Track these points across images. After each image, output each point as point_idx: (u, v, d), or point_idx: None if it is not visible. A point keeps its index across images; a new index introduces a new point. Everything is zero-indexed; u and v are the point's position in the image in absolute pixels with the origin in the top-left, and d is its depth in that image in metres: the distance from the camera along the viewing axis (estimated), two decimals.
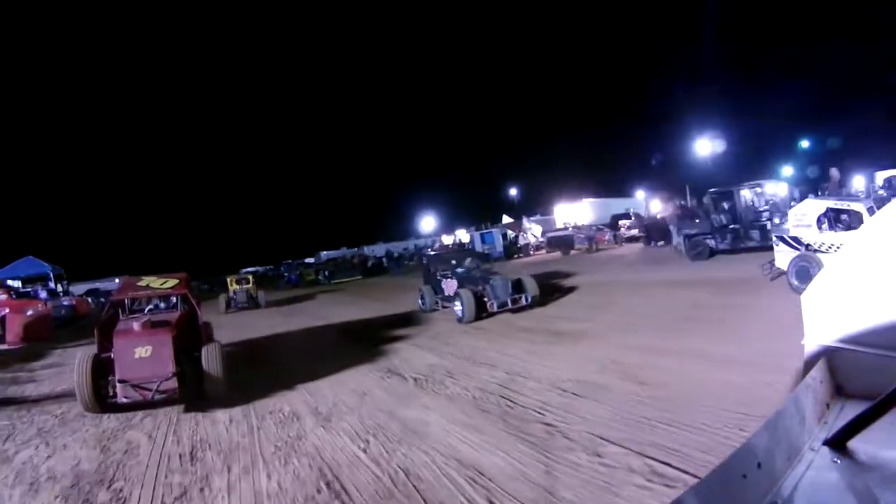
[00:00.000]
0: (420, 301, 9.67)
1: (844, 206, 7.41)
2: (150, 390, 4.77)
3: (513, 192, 39.61)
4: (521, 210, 33.29)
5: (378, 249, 37.55)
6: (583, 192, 31.33)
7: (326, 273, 24.87)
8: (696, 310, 6.91)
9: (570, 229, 23.88)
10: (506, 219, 31.19)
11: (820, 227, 7.39)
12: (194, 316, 5.82)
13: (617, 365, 4.74)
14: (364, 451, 3.35)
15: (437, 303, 9.31)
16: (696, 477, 2.72)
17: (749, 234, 11.99)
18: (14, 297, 11.85)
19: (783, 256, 7.68)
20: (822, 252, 7.30)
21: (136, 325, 5.37)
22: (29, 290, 13.78)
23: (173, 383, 4.86)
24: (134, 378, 4.81)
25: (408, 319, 8.82)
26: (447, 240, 29.67)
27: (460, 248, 15.69)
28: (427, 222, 37.94)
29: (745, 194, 12.50)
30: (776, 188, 16.53)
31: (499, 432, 3.43)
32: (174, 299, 6.24)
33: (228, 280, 15.87)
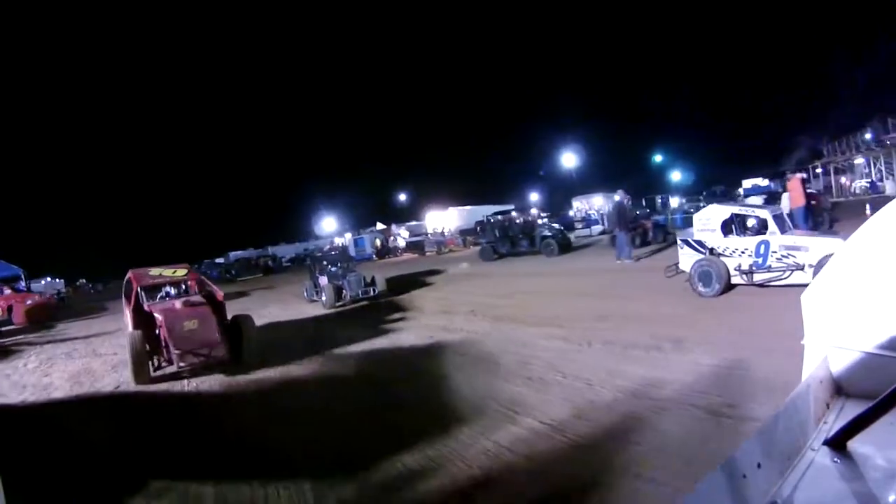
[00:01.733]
0: (304, 292, 12.23)
1: (749, 213, 7.61)
2: (203, 356, 5.63)
3: (402, 197, 45.60)
4: (407, 214, 39.01)
5: (280, 250, 41.64)
6: (463, 199, 35.77)
7: (234, 272, 27.96)
8: (428, 288, 11.86)
9: (425, 235, 28.98)
10: (379, 225, 36.19)
11: (725, 232, 7.54)
12: (213, 296, 6.79)
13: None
14: None
15: (315, 293, 11.55)
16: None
17: (520, 243, 17.01)
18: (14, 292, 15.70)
19: (687, 259, 7.79)
20: (727, 256, 7.45)
21: (177, 304, 6.29)
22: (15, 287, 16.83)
23: (222, 349, 5.77)
24: (187, 347, 5.66)
25: (298, 307, 11.93)
26: (339, 241, 33.47)
27: (341, 251, 18.54)
28: (328, 223, 41.71)
29: (515, 215, 19.05)
30: (603, 201, 23.33)
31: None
32: (184, 285, 7.27)
33: None
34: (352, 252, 24.24)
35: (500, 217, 18.18)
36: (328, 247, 25.67)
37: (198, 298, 6.60)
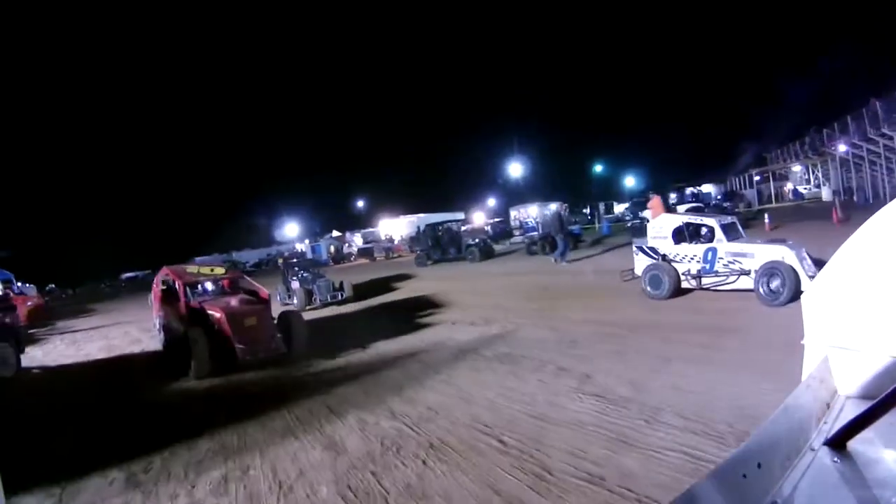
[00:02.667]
0: (278, 295, 14.42)
1: (699, 222, 8.95)
2: (264, 350, 6.77)
3: (360, 204, 53.06)
4: (364, 221, 45.52)
5: (244, 255, 46.62)
6: (417, 207, 42.63)
7: None
8: (374, 289, 14.94)
9: (375, 242, 35.13)
10: (335, 232, 43.26)
11: (677, 240, 8.81)
12: (256, 294, 8.27)
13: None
14: None
15: (287, 296, 14.09)
16: None
17: (448, 251, 21.29)
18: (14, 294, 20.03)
19: (641, 264, 9.27)
20: (677, 262, 8.76)
21: (233, 301, 7.42)
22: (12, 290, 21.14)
23: (280, 343, 7.03)
24: (248, 341, 6.73)
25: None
26: (299, 247, 40.63)
27: (301, 256, 22.56)
28: (290, 229, 47.00)
29: (451, 225, 23.25)
30: (538, 210, 27.21)
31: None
32: (221, 283, 8.50)
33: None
34: (309, 257, 30.24)
35: (432, 228, 23.73)
36: (287, 253, 30.13)
37: (248, 297, 7.72)
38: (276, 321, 7.45)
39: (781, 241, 7.91)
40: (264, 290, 7.96)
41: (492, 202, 47.34)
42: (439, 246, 21.61)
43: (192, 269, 8.12)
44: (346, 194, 57.86)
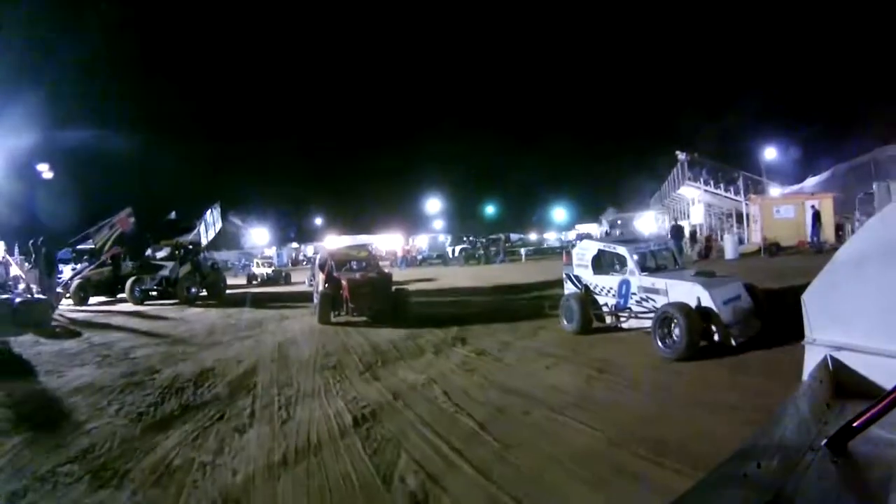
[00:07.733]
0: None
1: (612, 249, 8.12)
2: (369, 311, 9.99)
3: (318, 221, 64.00)
4: (319, 235, 55.48)
5: (223, 255, 53.00)
6: (358, 229, 52.77)
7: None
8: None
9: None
10: (294, 244, 55.24)
11: (595, 269, 8.19)
12: (383, 272, 11.93)
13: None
14: None
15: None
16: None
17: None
18: None
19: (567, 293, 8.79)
20: (598, 294, 8.08)
21: (358, 276, 10.53)
22: None
23: (387, 307, 10.05)
24: (359, 303, 9.94)
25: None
26: (268, 252, 50.10)
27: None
28: (259, 236, 54.04)
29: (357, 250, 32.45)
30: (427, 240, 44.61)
31: None
32: (364, 262, 11.80)
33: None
34: (275, 261, 38.57)
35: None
36: (260, 256, 37.53)
37: (375, 273, 10.91)
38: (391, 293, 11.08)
39: (709, 276, 6.94)
40: (388, 272, 11.71)
41: (438, 224, 58.46)
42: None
43: (344, 250, 12.52)
44: (309, 210, 66.86)
